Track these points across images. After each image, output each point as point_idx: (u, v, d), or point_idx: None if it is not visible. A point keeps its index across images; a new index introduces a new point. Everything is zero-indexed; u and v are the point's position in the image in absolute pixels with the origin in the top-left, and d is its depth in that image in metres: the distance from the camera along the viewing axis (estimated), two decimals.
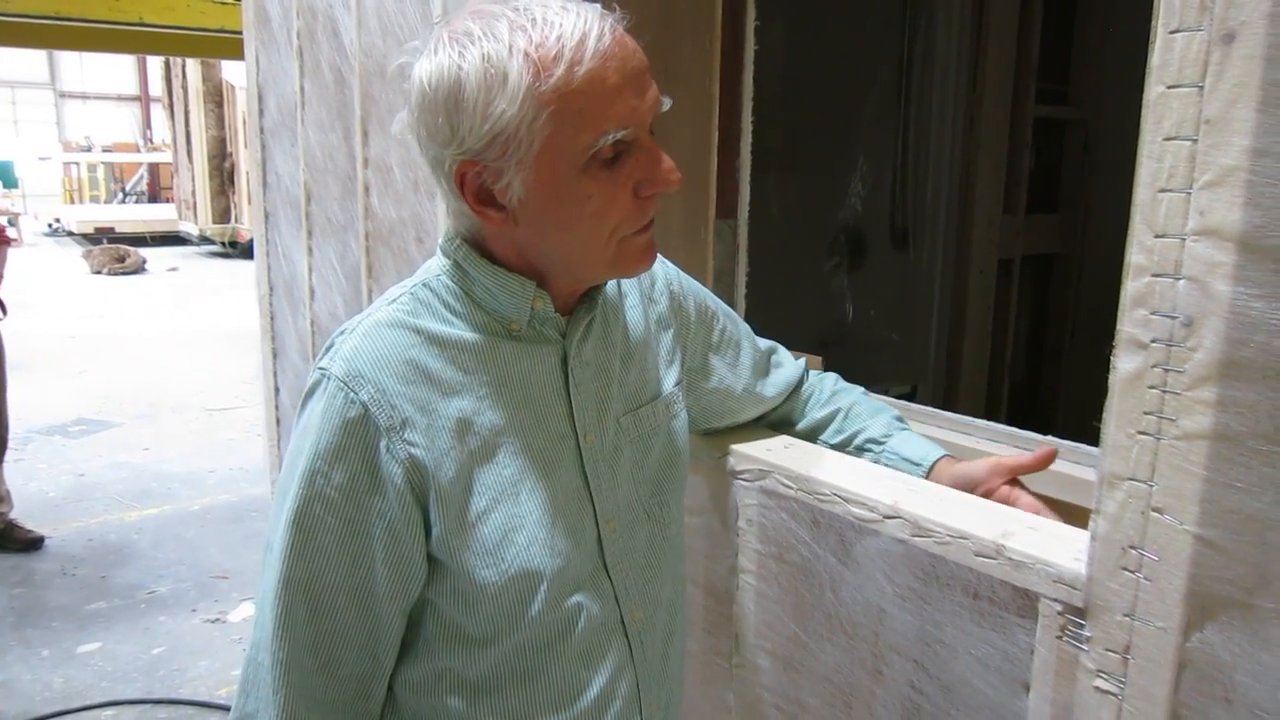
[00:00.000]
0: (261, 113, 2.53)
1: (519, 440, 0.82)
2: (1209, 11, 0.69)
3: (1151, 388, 0.73)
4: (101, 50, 5.69)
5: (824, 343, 2.22)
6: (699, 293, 1.05)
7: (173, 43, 5.23)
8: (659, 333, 0.98)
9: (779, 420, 1.17)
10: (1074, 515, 0.93)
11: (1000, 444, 1.13)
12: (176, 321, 9.07)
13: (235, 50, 3.79)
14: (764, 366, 1.12)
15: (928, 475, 1.03)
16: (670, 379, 0.97)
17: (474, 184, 0.76)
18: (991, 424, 1.17)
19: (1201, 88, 0.70)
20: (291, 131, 2.33)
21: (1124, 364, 0.75)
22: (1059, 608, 0.81)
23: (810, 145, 2.31)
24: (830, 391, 1.15)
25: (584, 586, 0.85)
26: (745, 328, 1.11)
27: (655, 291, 0.99)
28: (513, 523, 0.80)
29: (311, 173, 2.24)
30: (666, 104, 0.78)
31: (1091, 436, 0.79)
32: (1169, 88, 0.72)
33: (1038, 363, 2.82)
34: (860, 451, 1.09)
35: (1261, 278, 0.67)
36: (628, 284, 0.95)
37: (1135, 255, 0.74)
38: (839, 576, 1.00)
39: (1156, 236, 0.73)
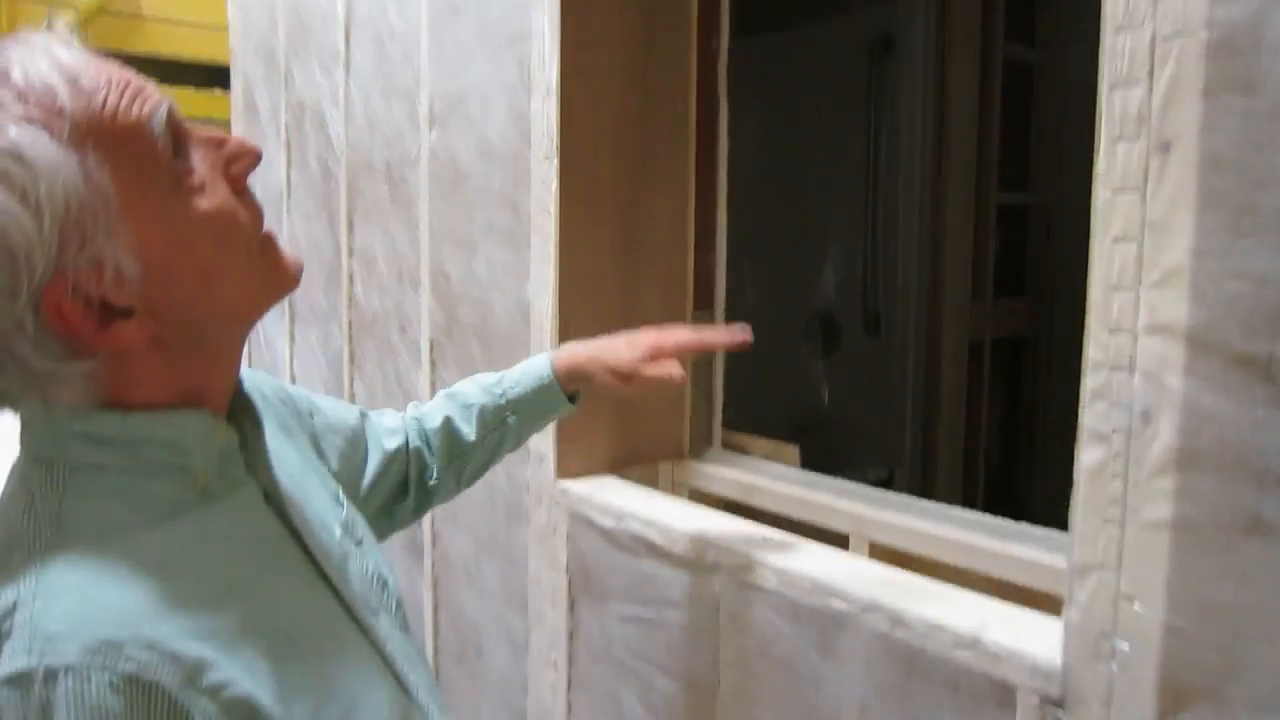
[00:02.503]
0: None
1: (285, 613, 0.66)
2: (1146, 123, 0.74)
3: (1114, 478, 0.76)
4: None
5: (801, 429, 2.24)
6: (284, 384, 0.93)
7: None
8: (281, 432, 0.83)
9: (421, 471, 1.04)
10: (1049, 604, 0.95)
11: (976, 533, 1.15)
12: None
13: None
14: (368, 424, 1.01)
15: (559, 381, 1.02)
16: (326, 473, 0.86)
17: (76, 306, 0.56)
18: (967, 513, 1.19)
19: (1144, 193, 0.74)
20: (276, 219, 2.38)
21: (1087, 456, 0.77)
22: (1036, 699, 0.81)
23: (783, 233, 2.38)
24: (429, 409, 1.06)
25: None
26: (329, 399, 1.00)
27: (265, 394, 0.85)
28: (339, 712, 0.66)
29: None
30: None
31: (1066, 518, 0.81)
32: (1115, 193, 0.76)
33: (1013, 444, 2.85)
34: (497, 428, 1.03)
35: (1210, 372, 0.71)
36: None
37: (1092, 350, 0.78)
38: (821, 671, 1.01)
39: (1111, 333, 0.76)
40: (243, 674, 0.58)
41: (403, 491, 1.03)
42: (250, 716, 0.58)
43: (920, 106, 2.42)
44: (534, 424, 1.07)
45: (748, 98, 1.74)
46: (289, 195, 2.28)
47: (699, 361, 1.51)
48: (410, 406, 1.08)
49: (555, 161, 1.35)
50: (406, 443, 1.02)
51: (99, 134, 0.57)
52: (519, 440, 1.07)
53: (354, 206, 1.97)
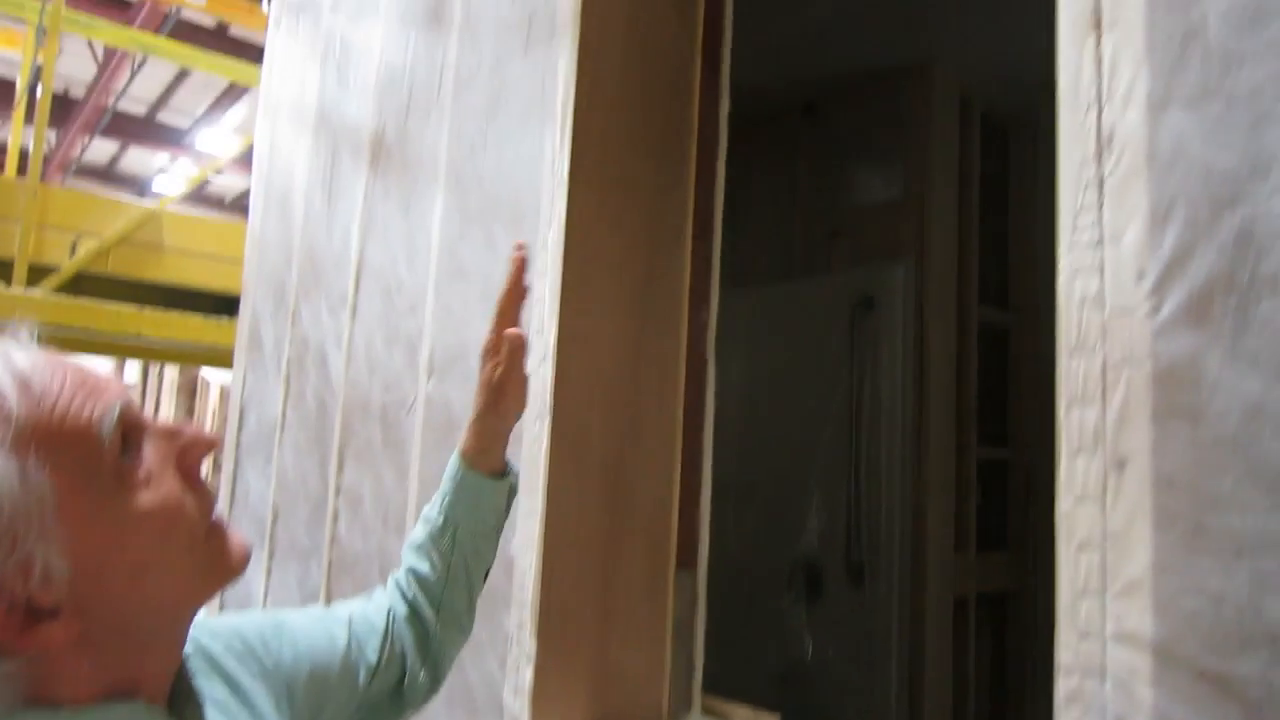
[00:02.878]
0: (240, 428, 2.62)
1: None
2: (1102, 440, 0.80)
3: None
4: (99, 355, 5.94)
5: (784, 680, 2.18)
6: (241, 626, 0.85)
7: (166, 354, 5.50)
8: (234, 700, 0.77)
9: (418, 642, 0.98)
10: None
11: None
12: None
13: (224, 361, 3.94)
14: (354, 634, 0.94)
15: (477, 471, 0.99)
16: None
17: (1, 609, 0.55)
18: None
19: (1104, 504, 0.79)
20: (267, 451, 2.41)
21: None
22: None
23: (766, 482, 2.42)
24: (400, 573, 1.01)
25: None
26: (309, 615, 0.93)
27: (214, 655, 0.79)
28: None
29: (282, 494, 2.29)
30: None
31: None
32: (1076, 502, 0.80)
33: (1001, 703, 2.76)
34: (452, 548, 0.98)
35: (1178, 685, 0.72)
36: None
37: (1063, 655, 0.79)
38: None
39: (1080, 638, 0.78)
40: None
41: (402, 672, 0.96)
42: None
43: (901, 364, 2.55)
44: (481, 522, 1.00)
45: (734, 348, 1.83)
46: (283, 429, 2.33)
47: (680, 622, 1.50)
48: (390, 580, 1.02)
49: (547, 421, 1.41)
50: (392, 631, 0.96)
51: (43, 437, 0.56)
52: (484, 549, 1.01)
53: (346, 446, 2.01)
